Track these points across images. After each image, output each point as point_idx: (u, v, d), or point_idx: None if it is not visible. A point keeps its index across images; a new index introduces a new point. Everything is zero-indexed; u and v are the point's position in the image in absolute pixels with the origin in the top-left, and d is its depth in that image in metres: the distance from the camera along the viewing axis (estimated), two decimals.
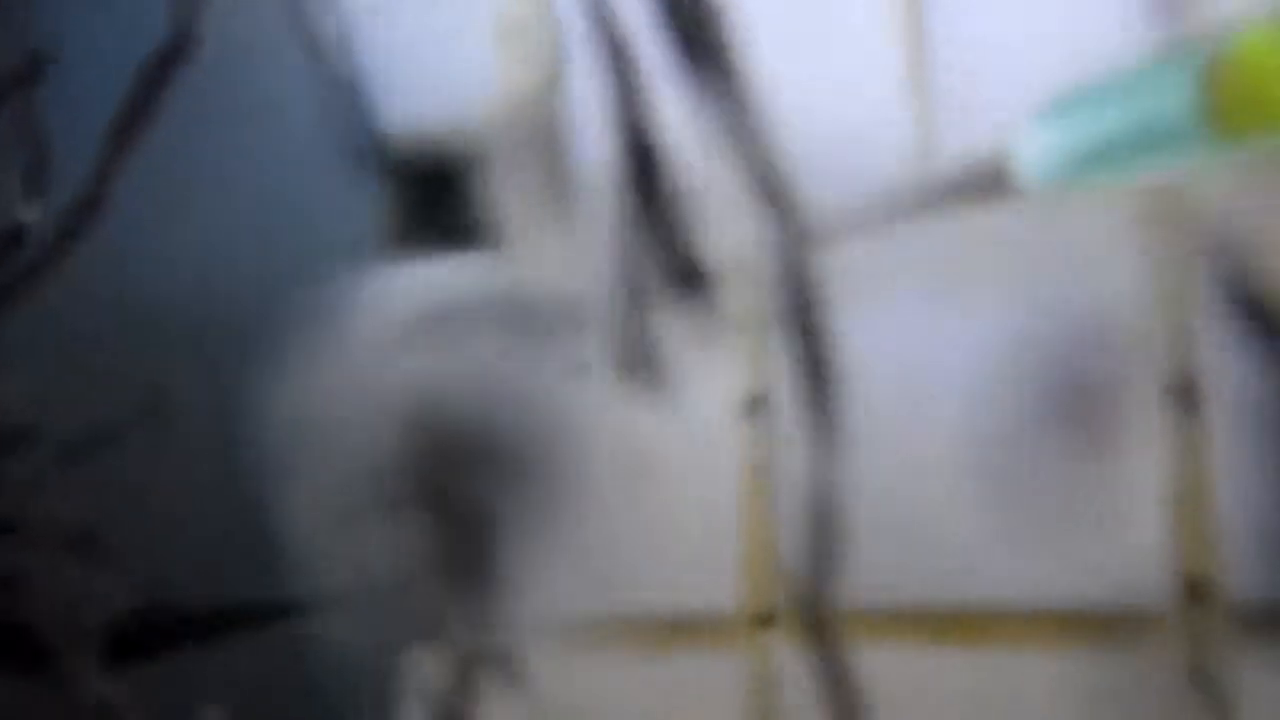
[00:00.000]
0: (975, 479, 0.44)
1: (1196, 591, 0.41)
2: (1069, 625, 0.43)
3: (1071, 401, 0.43)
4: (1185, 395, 0.41)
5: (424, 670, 0.46)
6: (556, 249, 0.48)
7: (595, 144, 0.47)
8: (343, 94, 0.52)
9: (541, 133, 0.49)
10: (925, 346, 0.45)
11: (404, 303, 0.47)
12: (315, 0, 0.52)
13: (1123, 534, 0.42)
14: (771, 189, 0.44)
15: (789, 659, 0.45)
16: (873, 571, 0.45)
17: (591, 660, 0.46)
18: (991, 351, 0.44)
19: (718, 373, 0.46)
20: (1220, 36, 0.35)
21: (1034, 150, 0.38)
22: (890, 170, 0.45)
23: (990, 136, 0.42)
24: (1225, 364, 0.41)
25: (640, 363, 0.46)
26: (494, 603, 0.46)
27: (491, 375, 0.46)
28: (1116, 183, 0.38)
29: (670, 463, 0.46)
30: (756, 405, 0.47)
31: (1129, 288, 0.42)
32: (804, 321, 0.44)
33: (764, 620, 0.45)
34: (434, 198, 0.52)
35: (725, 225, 0.46)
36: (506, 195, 0.48)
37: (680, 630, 0.47)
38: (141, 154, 0.49)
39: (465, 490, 0.46)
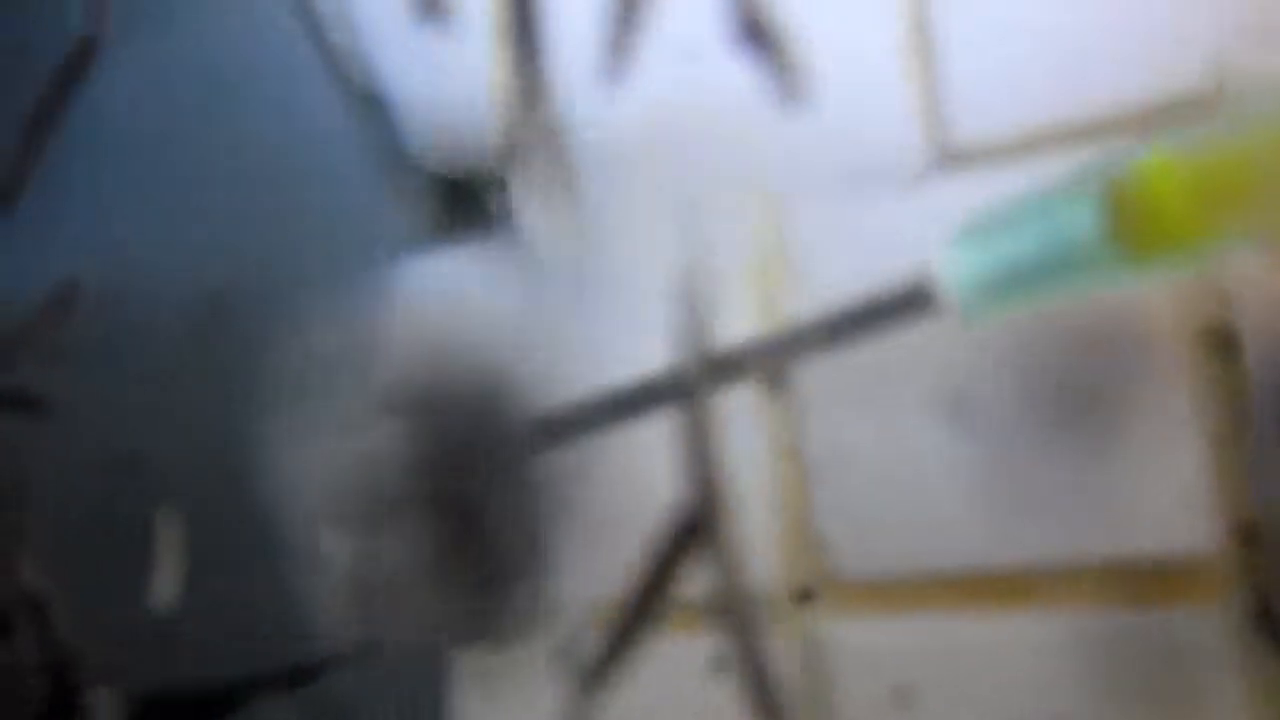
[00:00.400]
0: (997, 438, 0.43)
1: (1246, 534, 0.40)
2: (1109, 580, 0.42)
3: (1102, 353, 0.42)
4: (1222, 337, 0.40)
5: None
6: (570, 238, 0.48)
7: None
8: (364, 103, 0.52)
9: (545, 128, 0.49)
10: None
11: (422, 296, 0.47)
12: (328, 14, 0.52)
13: (1162, 481, 0.41)
14: None
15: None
16: (894, 539, 0.44)
17: None
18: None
19: None
20: (1123, 156, 0.35)
21: (954, 272, 0.38)
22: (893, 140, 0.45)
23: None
24: (1261, 301, 0.40)
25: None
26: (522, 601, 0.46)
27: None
28: (1035, 304, 0.38)
29: None
30: (778, 383, 0.46)
31: None
32: None
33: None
34: (460, 201, 0.52)
35: None
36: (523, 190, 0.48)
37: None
38: (145, 166, 0.49)
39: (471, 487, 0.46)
